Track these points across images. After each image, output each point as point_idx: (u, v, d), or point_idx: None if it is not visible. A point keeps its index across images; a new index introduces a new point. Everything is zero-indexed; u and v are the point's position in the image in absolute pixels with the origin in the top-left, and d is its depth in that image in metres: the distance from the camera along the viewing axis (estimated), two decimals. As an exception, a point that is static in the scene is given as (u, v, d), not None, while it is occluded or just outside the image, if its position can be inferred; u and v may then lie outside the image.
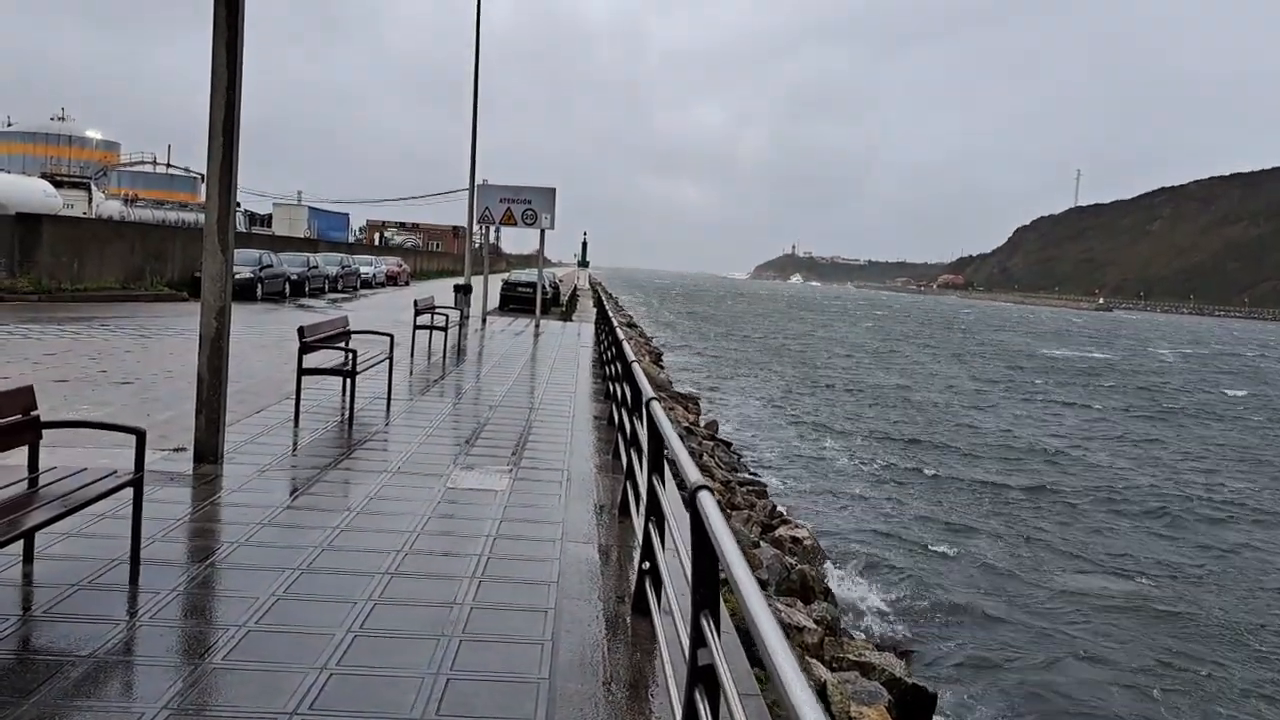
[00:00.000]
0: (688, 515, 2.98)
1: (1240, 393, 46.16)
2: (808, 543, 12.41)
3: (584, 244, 71.95)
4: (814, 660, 8.11)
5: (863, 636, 10.30)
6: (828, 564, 12.74)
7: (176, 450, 8.33)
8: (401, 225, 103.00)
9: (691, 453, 3.99)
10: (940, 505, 17.49)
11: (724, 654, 2.68)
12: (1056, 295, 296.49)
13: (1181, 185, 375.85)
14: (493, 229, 30.09)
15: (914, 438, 25.09)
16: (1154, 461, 24.11)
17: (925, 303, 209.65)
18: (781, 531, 12.56)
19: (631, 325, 44.41)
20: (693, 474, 2.94)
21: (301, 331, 10.53)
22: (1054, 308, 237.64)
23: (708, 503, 2.67)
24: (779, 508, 14.57)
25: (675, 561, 4.39)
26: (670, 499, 4.58)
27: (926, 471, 20.61)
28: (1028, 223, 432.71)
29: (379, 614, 4.98)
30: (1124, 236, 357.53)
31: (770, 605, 1.90)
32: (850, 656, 9.05)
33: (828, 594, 11.42)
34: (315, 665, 4.29)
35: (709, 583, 2.83)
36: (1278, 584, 14.07)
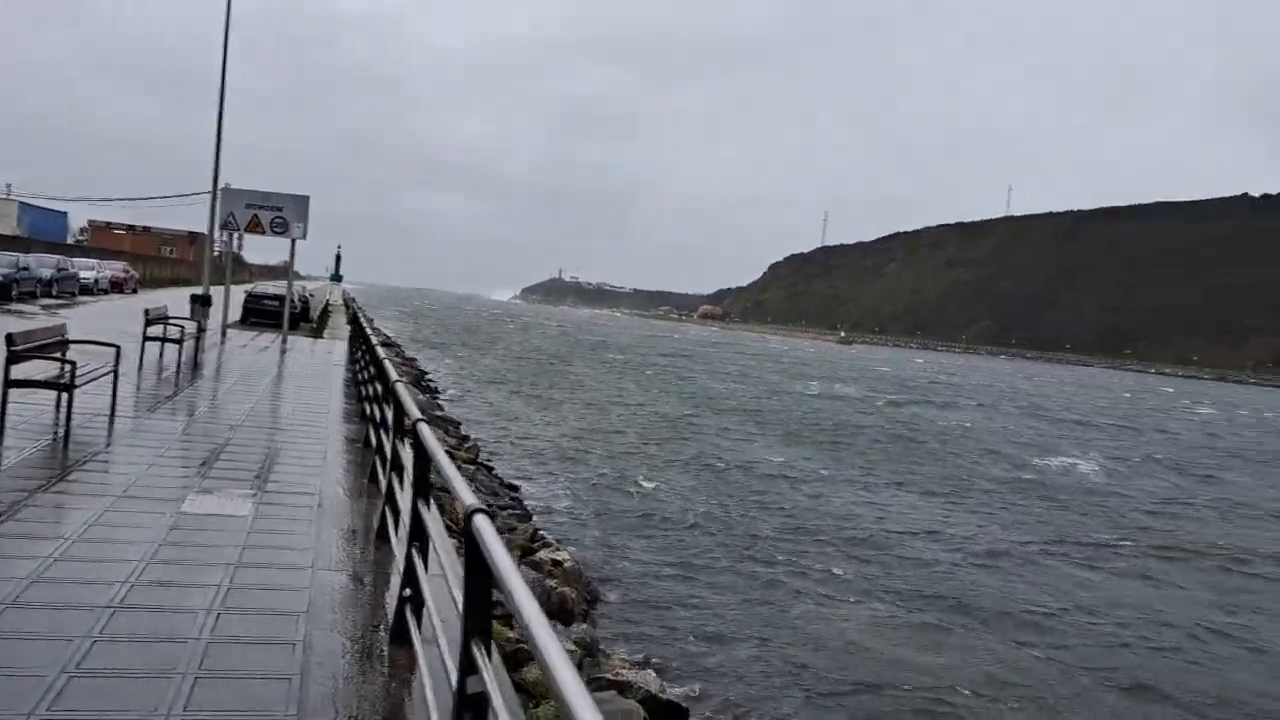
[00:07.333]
0: (453, 540, 2.85)
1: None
2: (568, 565, 12.44)
3: (338, 257, 69.33)
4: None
5: (622, 655, 10.41)
6: (590, 586, 12.80)
7: None
8: (92, 224, 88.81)
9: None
10: (703, 528, 18.03)
11: (496, 681, 2.57)
12: (804, 329, 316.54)
13: (915, 231, 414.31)
14: (236, 237, 28.15)
15: (699, 469, 24.91)
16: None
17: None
18: (542, 555, 12.52)
19: (389, 344, 43.06)
20: (468, 497, 2.81)
21: (10, 339, 9.40)
22: (803, 339, 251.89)
23: (484, 526, 2.56)
24: (540, 531, 14.52)
25: (440, 587, 4.23)
26: (435, 523, 4.40)
27: (702, 495, 21.11)
28: (781, 259, 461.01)
29: (100, 652, 4.45)
30: (864, 276, 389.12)
31: (554, 630, 1.83)
32: (608, 676, 9.12)
33: (586, 615, 11.48)
34: (20, 712, 3.76)
35: (482, 609, 2.72)
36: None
